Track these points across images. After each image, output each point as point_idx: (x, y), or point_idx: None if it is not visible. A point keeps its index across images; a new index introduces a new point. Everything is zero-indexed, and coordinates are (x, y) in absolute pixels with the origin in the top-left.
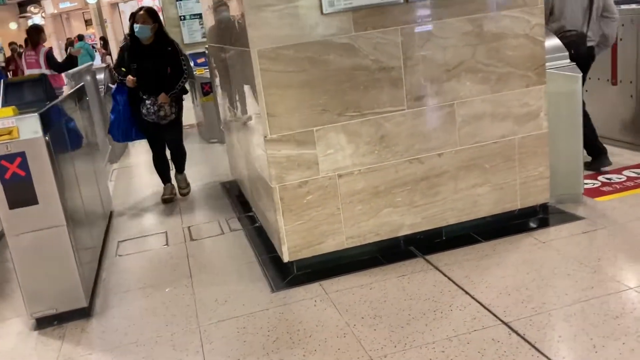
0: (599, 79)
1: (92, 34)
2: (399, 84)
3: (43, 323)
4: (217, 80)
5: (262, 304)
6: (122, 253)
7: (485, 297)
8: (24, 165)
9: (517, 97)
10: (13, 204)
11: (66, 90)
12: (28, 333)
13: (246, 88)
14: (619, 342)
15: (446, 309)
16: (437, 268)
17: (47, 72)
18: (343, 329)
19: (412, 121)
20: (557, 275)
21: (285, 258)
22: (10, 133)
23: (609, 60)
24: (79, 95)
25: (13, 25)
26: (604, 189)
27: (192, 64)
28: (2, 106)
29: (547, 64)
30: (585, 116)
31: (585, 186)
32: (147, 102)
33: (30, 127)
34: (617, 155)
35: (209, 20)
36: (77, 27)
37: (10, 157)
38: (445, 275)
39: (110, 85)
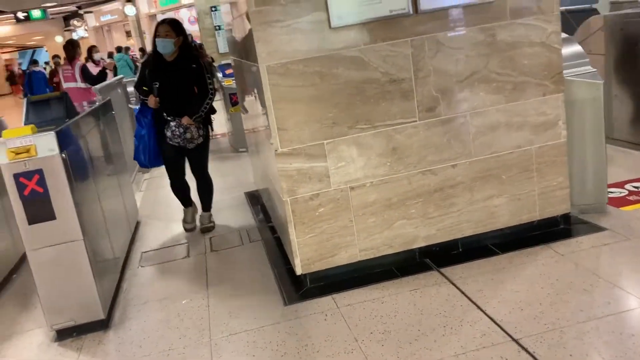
0: None
1: (132, 45)
2: (410, 96)
3: (63, 334)
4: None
5: (273, 318)
6: (144, 264)
7: (497, 313)
8: (42, 182)
9: (533, 106)
10: (32, 219)
11: (91, 105)
12: (48, 344)
13: (258, 101)
14: None
15: (456, 324)
16: (451, 281)
17: (82, 85)
18: (351, 344)
19: (424, 132)
20: (573, 289)
21: (298, 271)
22: (28, 151)
23: None
24: (104, 110)
25: (59, 39)
26: (631, 197)
27: (220, 74)
28: (24, 124)
29: (567, 70)
30: None
31: (611, 195)
32: (172, 123)
33: (47, 144)
34: None
35: (229, 33)
36: (117, 39)
37: (29, 175)
38: (459, 289)
39: (131, 106)
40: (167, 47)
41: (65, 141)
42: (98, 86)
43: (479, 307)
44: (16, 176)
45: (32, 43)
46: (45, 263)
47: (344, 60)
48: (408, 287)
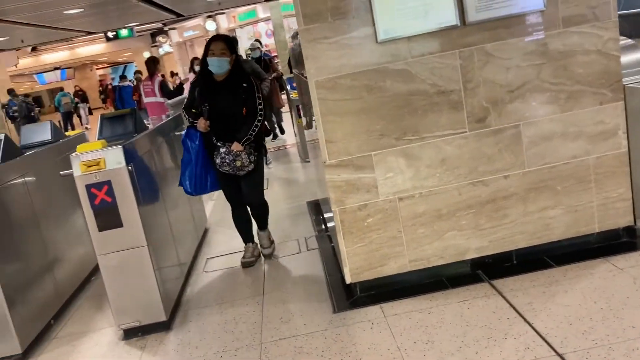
0: None
1: None
2: (459, 107)
3: (129, 334)
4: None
5: (322, 325)
6: (208, 269)
7: (544, 326)
8: (110, 192)
9: (590, 115)
10: (102, 226)
11: (160, 121)
12: (116, 342)
13: (313, 114)
14: None
15: (500, 337)
16: (500, 294)
17: (161, 99)
18: (394, 353)
19: (475, 143)
20: (628, 305)
21: (348, 279)
22: (98, 164)
23: None
24: (173, 124)
25: (146, 54)
26: None
27: (288, 87)
28: (97, 138)
29: (631, 78)
30: None
31: None
32: (222, 150)
33: (115, 158)
34: None
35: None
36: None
37: (99, 185)
38: (508, 302)
39: (177, 133)
40: (222, 66)
41: (131, 154)
42: (171, 101)
43: (526, 320)
44: (88, 187)
45: (122, 59)
46: (113, 267)
47: (391, 74)
48: (457, 299)
